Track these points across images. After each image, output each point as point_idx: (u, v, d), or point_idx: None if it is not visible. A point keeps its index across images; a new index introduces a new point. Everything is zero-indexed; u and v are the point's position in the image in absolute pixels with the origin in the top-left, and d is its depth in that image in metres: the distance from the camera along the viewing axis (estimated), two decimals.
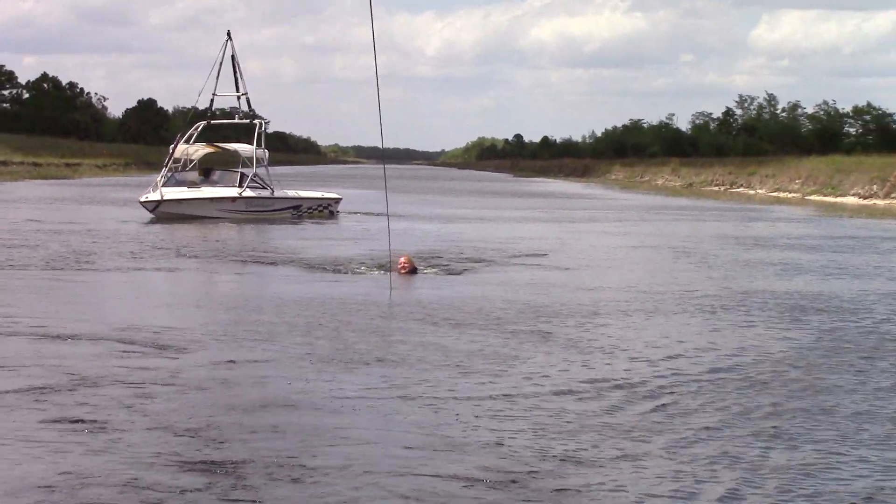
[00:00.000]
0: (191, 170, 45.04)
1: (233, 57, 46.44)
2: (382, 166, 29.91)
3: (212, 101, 47.26)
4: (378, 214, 44.54)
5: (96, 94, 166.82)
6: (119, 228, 37.23)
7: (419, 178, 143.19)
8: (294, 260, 27.55)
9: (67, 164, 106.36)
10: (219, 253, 29.44)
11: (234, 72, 46.87)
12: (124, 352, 14.80)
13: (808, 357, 15.49)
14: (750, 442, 10.86)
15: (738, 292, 22.79)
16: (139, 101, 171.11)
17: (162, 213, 41.94)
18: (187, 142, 45.45)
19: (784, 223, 49.16)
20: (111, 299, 21.06)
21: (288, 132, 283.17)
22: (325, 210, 46.86)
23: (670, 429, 11.27)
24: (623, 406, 12.23)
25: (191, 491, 8.93)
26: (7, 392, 12.11)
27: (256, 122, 47.13)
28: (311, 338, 16.10)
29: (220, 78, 46.39)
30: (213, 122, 48.27)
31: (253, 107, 49.15)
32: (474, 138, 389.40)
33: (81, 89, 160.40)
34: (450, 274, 24.99)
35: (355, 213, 49.44)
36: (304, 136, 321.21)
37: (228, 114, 49.82)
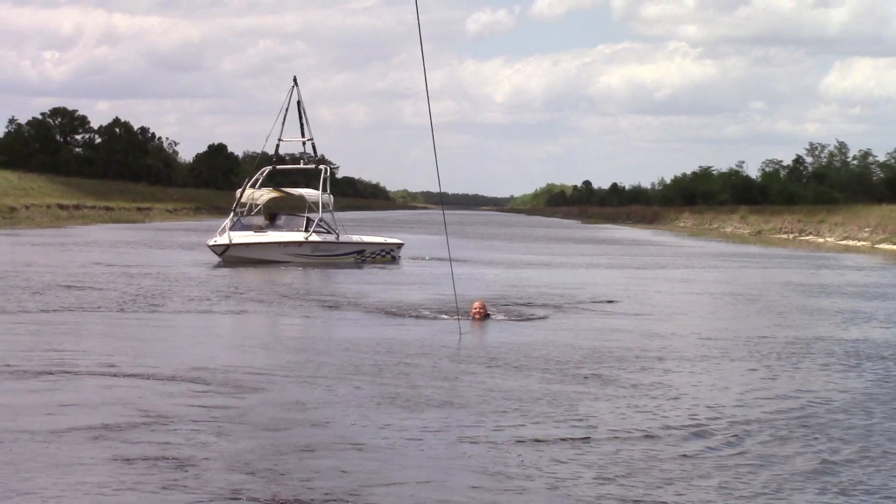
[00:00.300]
0: (256, 214, 45.60)
1: (298, 102, 47.11)
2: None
3: (277, 146, 47.96)
4: (445, 259, 44.91)
5: (167, 138, 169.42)
6: (188, 272, 37.80)
7: (487, 223, 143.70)
8: (361, 304, 27.88)
9: (139, 209, 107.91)
10: (286, 296, 29.84)
11: (300, 117, 47.50)
12: (196, 391, 15.15)
13: (866, 403, 15.57)
14: (805, 484, 11.01)
15: (801, 339, 22.83)
16: (209, 146, 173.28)
17: (230, 256, 42.51)
18: (253, 186, 46.05)
19: (851, 271, 48.91)
20: (182, 340, 21.44)
21: (357, 177, 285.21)
22: (387, 255, 47.35)
23: (728, 469, 11.43)
24: (684, 449, 12.38)
25: None
26: (81, 429, 12.46)
27: (322, 167, 47.69)
28: (379, 379, 16.38)
29: (286, 123, 47.05)
30: (278, 167, 48.83)
31: (323, 152, 49.97)
32: (543, 184, 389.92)
33: (153, 134, 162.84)
34: (520, 319, 25.13)
35: (422, 258, 49.83)
36: (374, 182, 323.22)
37: (295, 159, 50.46)
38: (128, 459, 11.23)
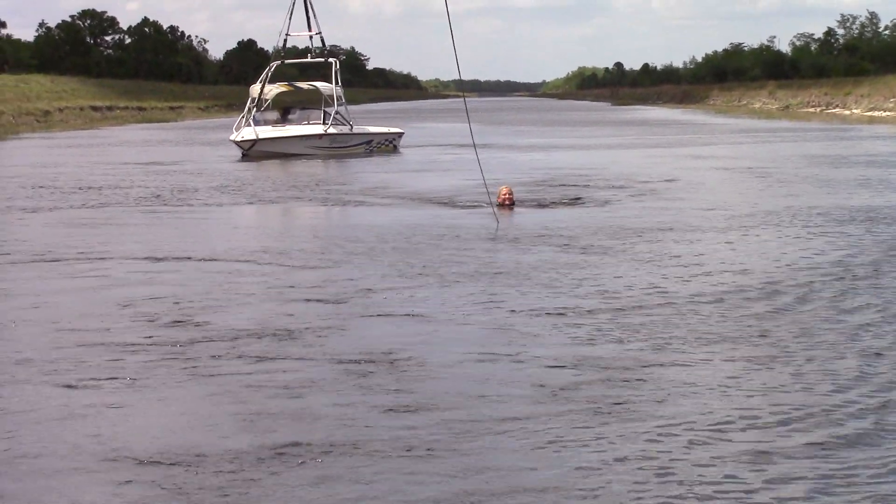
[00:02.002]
0: (266, 110, 46.50)
1: None
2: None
3: (284, 41, 48.98)
4: (478, 146, 45.81)
5: (197, 36, 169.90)
6: (220, 167, 38.98)
7: (517, 109, 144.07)
8: (396, 193, 28.54)
9: (171, 108, 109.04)
10: (318, 187, 30.76)
11: (307, 11, 48.30)
12: (250, 270, 16.33)
13: (857, 260, 16.60)
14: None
15: (805, 207, 23.81)
16: (239, 43, 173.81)
17: (256, 151, 43.62)
18: (263, 82, 46.99)
19: (870, 141, 49.62)
20: (243, 229, 22.57)
21: (388, 68, 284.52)
22: (390, 144, 48.33)
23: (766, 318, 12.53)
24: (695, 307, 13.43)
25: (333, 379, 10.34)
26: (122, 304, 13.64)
27: (332, 60, 48.52)
28: (415, 258, 17.51)
29: (292, 18, 47.86)
30: (286, 61, 49.59)
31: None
32: (575, 68, 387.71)
33: (182, 33, 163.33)
34: (545, 205, 25.77)
35: (452, 144, 50.84)
36: (405, 72, 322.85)
37: (302, 53, 51.17)
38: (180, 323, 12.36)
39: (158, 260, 17.72)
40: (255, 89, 46.69)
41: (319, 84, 48.61)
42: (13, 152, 50.56)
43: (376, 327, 12.64)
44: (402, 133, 50.33)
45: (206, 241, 20.03)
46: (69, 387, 10.20)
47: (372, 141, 47.73)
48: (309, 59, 50.99)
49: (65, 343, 11.88)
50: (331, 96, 46.95)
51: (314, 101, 48.89)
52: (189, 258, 17.92)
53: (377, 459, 8.20)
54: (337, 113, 46.50)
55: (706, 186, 29.34)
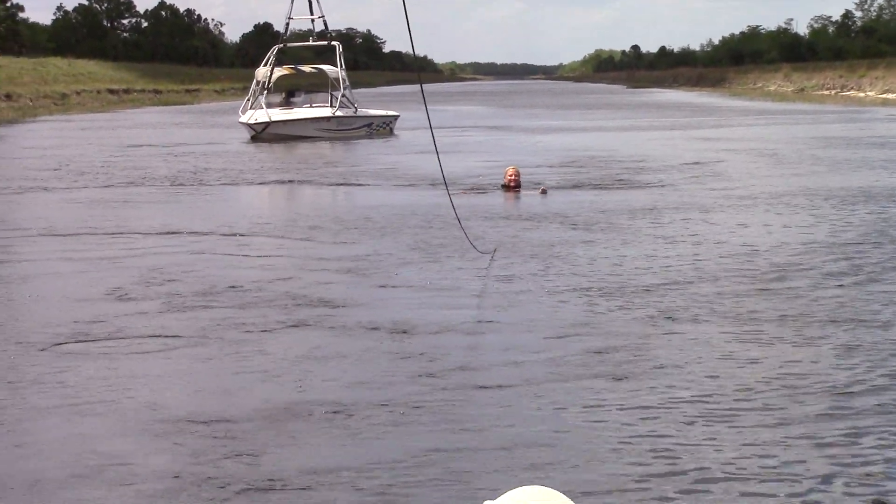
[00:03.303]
0: (269, 93, 46.98)
1: None
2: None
3: (287, 25, 49.66)
4: (490, 128, 46.44)
5: (213, 19, 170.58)
6: (237, 148, 39.56)
7: (531, 92, 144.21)
8: (411, 175, 29.05)
9: (187, 91, 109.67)
10: (343, 171, 31.20)
11: None
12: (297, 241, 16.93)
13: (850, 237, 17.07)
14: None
15: (807, 188, 24.27)
16: (255, 26, 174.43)
17: (269, 133, 44.16)
18: (268, 65, 47.59)
19: (879, 122, 49.95)
20: (273, 207, 23.16)
21: (405, 51, 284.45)
22: (387, 127, 48.85)
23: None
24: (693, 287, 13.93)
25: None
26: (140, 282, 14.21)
27: (335, 43, 49.10)
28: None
29: (295, 2, 48.66)
30: (288, 45, 50.16)
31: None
32: (592, 51, 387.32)
33: (199, 16, 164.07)
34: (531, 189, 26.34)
35: (469, 126, 51.39)
36: (421, 55, 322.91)
37: (309, 35, 51.89)
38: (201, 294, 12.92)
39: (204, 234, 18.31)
40: (260, 72, 47.30)
41: (326, 67, 49.27)
42: (30, 134, 51.17)
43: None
44: (398, 115, 50.95)
45: (259, 218, 20.59)
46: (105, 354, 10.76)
47: (372, 123, 48.35)
48: (311, 43, 51.67)
49: (83, 313, 12.44)
50: (336, 79, 47.57)
51: (316, 85, 49.60)
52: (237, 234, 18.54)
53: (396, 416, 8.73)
54: (343, 96, 47.09)
55: (712, 168, 29.73)
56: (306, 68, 50.84)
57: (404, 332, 11.47)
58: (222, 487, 7.35)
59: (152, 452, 8.04)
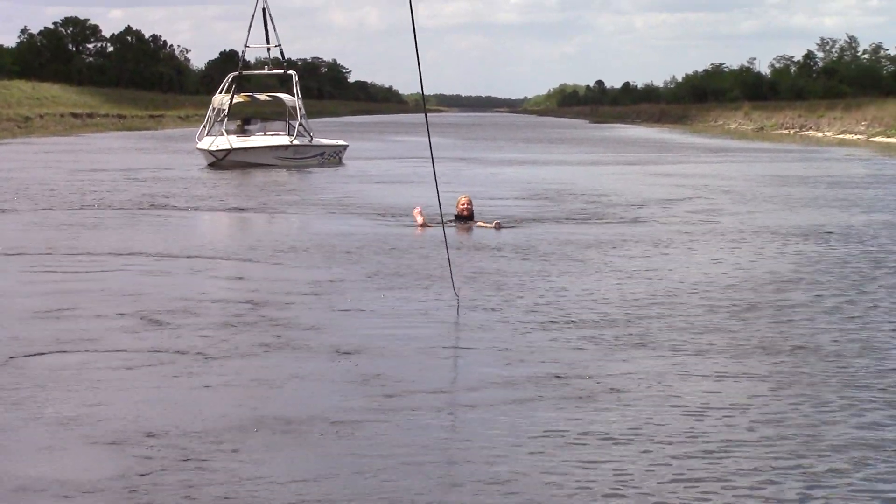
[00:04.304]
0: (223, 120, 47.05)
1: (264, 9, 49.05)
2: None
3: (243, 53, 50.28)
4: (453, 159, 46.80)
5: (179, 46, 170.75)
6: (192, 174, 39.84)
7: (494, 125, 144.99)
8: (375, 206, 29.38)
9: (151, 116, 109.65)
10: (301, 200, 31.51)
11: (265, 23, 49.45)
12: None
13: (794, 274, 17.54)
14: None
15: (759, 226, 24.79)
16: (221, 53, 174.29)
17: (230, 161, 44.36)
18: (222, 92, 47.96)
19: (834, 163, 50.77)
20: (237, 232, 23.46)
21: (370, 81, 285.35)
22: (336, 157, 49.42)
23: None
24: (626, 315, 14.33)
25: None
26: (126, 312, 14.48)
27: (291, 72, 49.59)
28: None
29: (251, 31, 49.21)
30: (244, 73, 50.44)
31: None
32: (556, 85, 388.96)
33: (164, 42, 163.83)
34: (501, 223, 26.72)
35: (417, 158, 51.77)
36: (387, 86, 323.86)
37: (266, 64, 52.34)
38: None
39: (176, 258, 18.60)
40: (216, 99, 47.63)
41: (283, 95, 49.87)
42: None
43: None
44: (347, 145, 51.54)
45: (228, 244, 20.88)
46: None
47: (324, 153, 48.80)
48: (266, 72, 52.21)
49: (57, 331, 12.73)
50: (294, 108, 48.00)
51: (271, 113, 49.97)
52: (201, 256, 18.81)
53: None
54: (300, 125, 47.57)
55: (668, 203, 30.23)
56: (261, 96, 51.46)
57: (360, 353, 11.81)
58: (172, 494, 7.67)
59: (97, 464, 8.35)
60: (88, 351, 11.82)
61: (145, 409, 9.70)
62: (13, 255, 19.06)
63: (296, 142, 46.90)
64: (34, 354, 11.57)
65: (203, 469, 8.18)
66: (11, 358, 11.40)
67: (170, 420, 9.35)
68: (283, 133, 47.74)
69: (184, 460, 8.35)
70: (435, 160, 14.71)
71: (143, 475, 8.02)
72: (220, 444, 8.75)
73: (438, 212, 15.21)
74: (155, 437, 8.87)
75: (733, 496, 7.84)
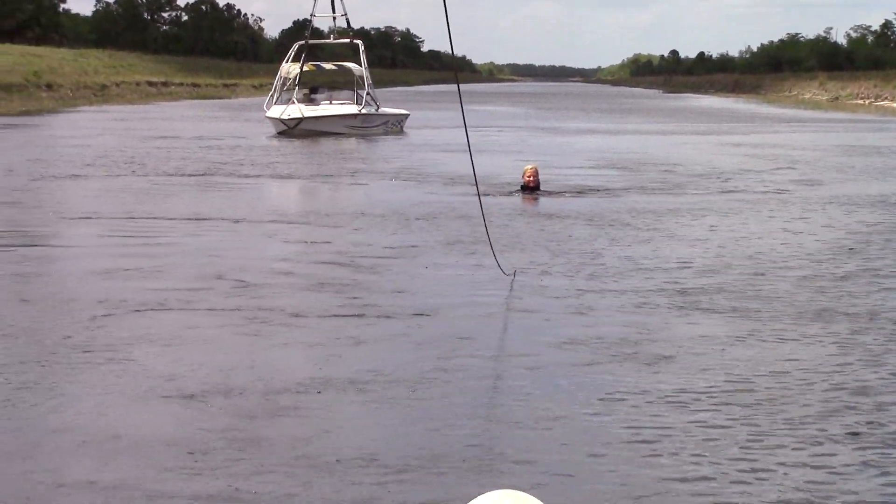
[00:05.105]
0: (289, 89, 47.64)
1: None
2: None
3: (310, 22, 50.48)
4: (524, 128, 46.93)
5: (253, 15, 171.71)
6: (272, 144, 40.35)
7: (567, 94, 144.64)
8: (446, 174, 29.66)
9: (225, 85, 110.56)
10: (371, 168, 31.77)
11: None
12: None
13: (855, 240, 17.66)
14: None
15: (828, 195, 24.84)
16: (294, 22, 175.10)
17: (301, 129, 44.71)
18: (289, 61, 48.41)
19: None
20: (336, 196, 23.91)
21: (443, 51, 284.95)
22: (398, 125, 49.77)
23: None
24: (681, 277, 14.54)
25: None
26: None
27: (357, 42, 49.88)
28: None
29: (317, 1, 49.56)
30: (311, 42, 50.77)
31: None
32: (631, 55, 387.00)
33: (239, 11, 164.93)
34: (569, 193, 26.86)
35: (499, 125, 52.03)
36: (459, 55, 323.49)
37: (340, 33, 52.58)
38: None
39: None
40: (284, 68, 48.03)
41: (351, 65, 50.21)
42: (68, 124, 52.04)
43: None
44: (409, 114, 51.87)
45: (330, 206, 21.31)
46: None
47: (388, 121, 49.13)
48: (332, 41, 52.49)
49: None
50: (361, 77, 48.34)
51: (337, 82, 50.34)
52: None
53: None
54: (368, 94, 47.89)
55: (735, 172, 30.25)
56: (328, 65, 51.74)
57: (428, 316, 12.15)
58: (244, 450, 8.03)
59: (177, 418, 8.74)
60: (168, 310, 12.24)
61: (226, 366, 10.07)
62: (92, 218, 19.58)
63: (364, 110, 47.28)
64: (118, 314, 11.98)
65: (276, 424, 8.53)
66: (94, 318, 11.82)
67: (248, 377, 9.72)
68: (350, 102, 48.17)
69: (254, 417, 8.70)
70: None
71: (219, 430, 8.38)
72: (295, 400, 9.10)
73: (475, 183, 15.30)
74: (235, 394, 9.23)
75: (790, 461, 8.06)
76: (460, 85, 12.87)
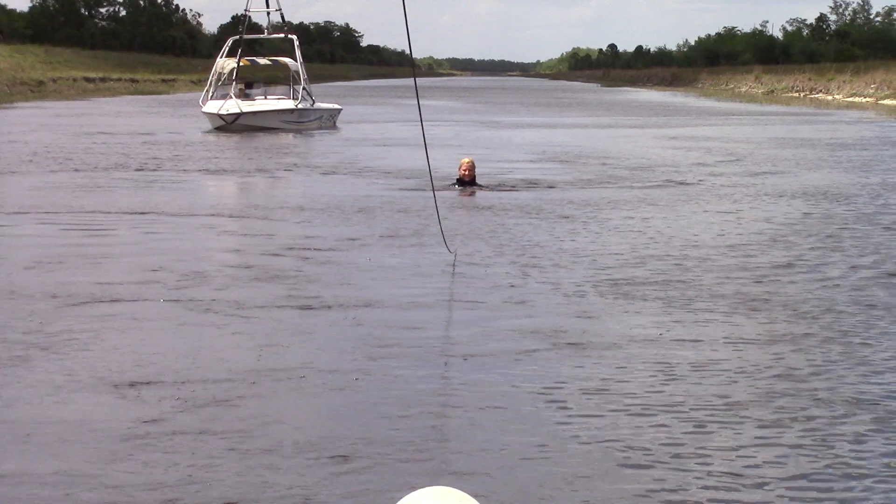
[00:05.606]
0: (225, 84, 47.70)
1: None
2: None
3: (244, 17, 50.68)
4: (462, 122, 46.99)
5: (191, 10, 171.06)
6: (202, 138, 40.29)
7: (506, 89, 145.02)
8: (382, 169, 29.95)
9: (163, 80, 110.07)
10: (305, 163, 32.02)
11: None
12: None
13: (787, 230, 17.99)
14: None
15: (760, 187, 25.21)
16: (233, 17, 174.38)
17: (240, 124, 44.64)
18: (223, 56, 48.51)
19: (839, 125, 51.04)
20: (253, 197, 23.95)
21: (382, 45, 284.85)
22: (331, 120, 49.97)
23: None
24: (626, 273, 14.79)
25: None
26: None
27: (291, 36, 50.05)
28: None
29: None
30: (245, 37, 50.77)
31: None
32: (569, 49, 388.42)
33: (177, 6, 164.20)
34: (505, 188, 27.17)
35: (438, 120, 52.17)
36: (399, 49, 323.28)
37: (274, 28, 52.56)
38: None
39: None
40: (219, 64, 48.04)
41: (287, 60, 50.24)
42: (5, 120, 51.69)
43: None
44: (341, 109, 52.19)
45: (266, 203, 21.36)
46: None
47: (322, 116, 49.27)
48: (266, 35, 52.56)
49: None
50: (297, 72, 48.52)
51: (271, 77, 50.50)
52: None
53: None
54: (303, 89, 48.00)
55: (669, 165, 30.61)
56: (262, 60, 51.83)
57: (371, 307, 12.31)
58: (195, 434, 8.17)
59: (115, 408, 8.86)
60: (110, 302, 12.31)
61: (168, 357, 10.19)
62: (31, 213, 19.58)
63: (300, 106, 47.40)
64: (60, 307, 12.04)
65: (215, 414, 8.66)
66: (34, 311, 11.88)
67: (190, 368, 9.84)
68: (285, 97, 48.45)
69: (196, 408, 8.83)
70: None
71: (157, 420, 8.51)
72: (229, 391, 9.23)
73: (429, 173, 15.55)
74: (177, 384, 9.35)
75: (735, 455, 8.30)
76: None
